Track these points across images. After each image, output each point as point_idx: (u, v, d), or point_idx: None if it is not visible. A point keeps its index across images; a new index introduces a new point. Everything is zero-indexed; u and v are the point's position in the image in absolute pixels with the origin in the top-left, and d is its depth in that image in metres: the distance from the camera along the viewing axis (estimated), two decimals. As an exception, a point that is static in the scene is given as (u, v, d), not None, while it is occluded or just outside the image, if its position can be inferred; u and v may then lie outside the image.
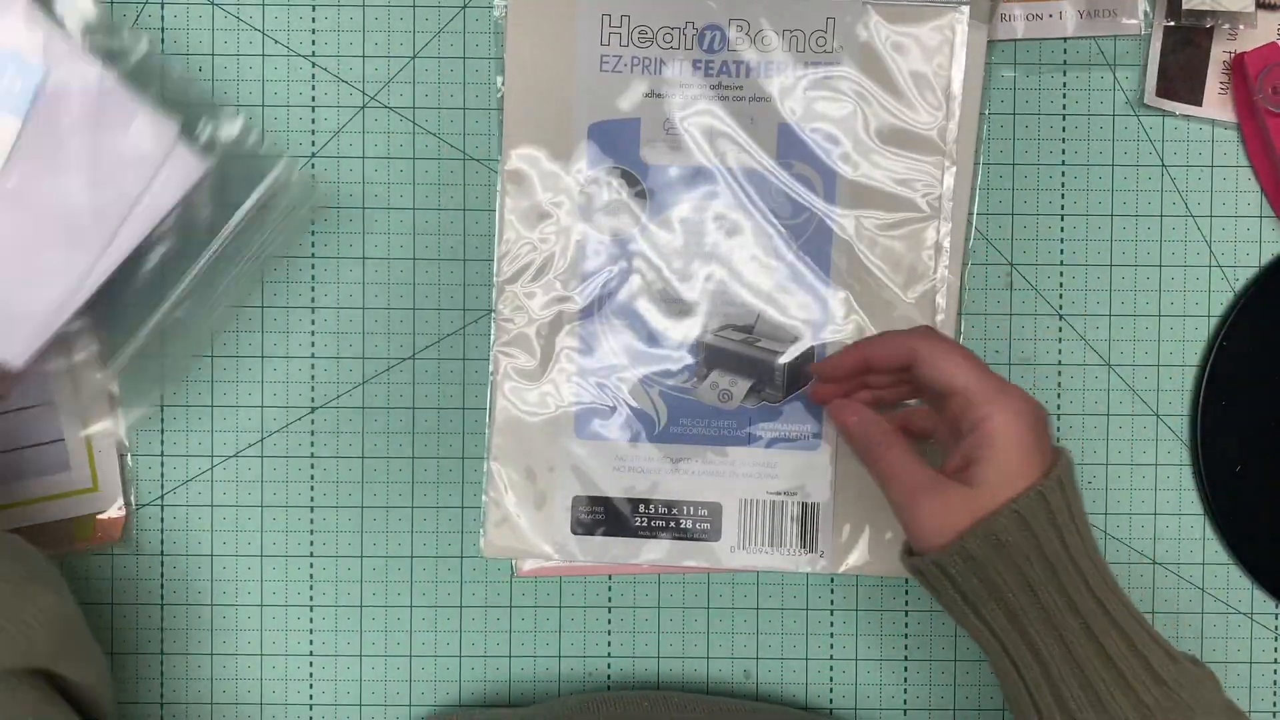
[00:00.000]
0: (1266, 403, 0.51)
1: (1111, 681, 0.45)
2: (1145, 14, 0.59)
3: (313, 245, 0.60)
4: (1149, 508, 0.61)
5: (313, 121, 0.59)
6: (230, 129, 0.54)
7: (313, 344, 0.60)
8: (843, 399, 0.54)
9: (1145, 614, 0.48)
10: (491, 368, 0.60)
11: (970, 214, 0.59)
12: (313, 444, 0.60)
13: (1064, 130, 0.60)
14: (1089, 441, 0.61)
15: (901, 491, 0.49)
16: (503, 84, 0.58)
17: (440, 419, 0.60)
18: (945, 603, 0.49)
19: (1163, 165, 0.60)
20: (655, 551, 0.60)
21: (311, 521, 0.61)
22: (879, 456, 0.50)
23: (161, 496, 0.60)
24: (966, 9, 0.57)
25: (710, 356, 0.59)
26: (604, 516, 0.60)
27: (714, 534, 0.60)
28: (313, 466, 0.60)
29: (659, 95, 0.58)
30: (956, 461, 0.48)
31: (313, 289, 0.60)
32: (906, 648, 0.61)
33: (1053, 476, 0.46)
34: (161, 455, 0.60)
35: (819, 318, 0.59)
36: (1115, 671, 0.45)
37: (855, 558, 0.60)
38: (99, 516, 0.60)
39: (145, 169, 0.51)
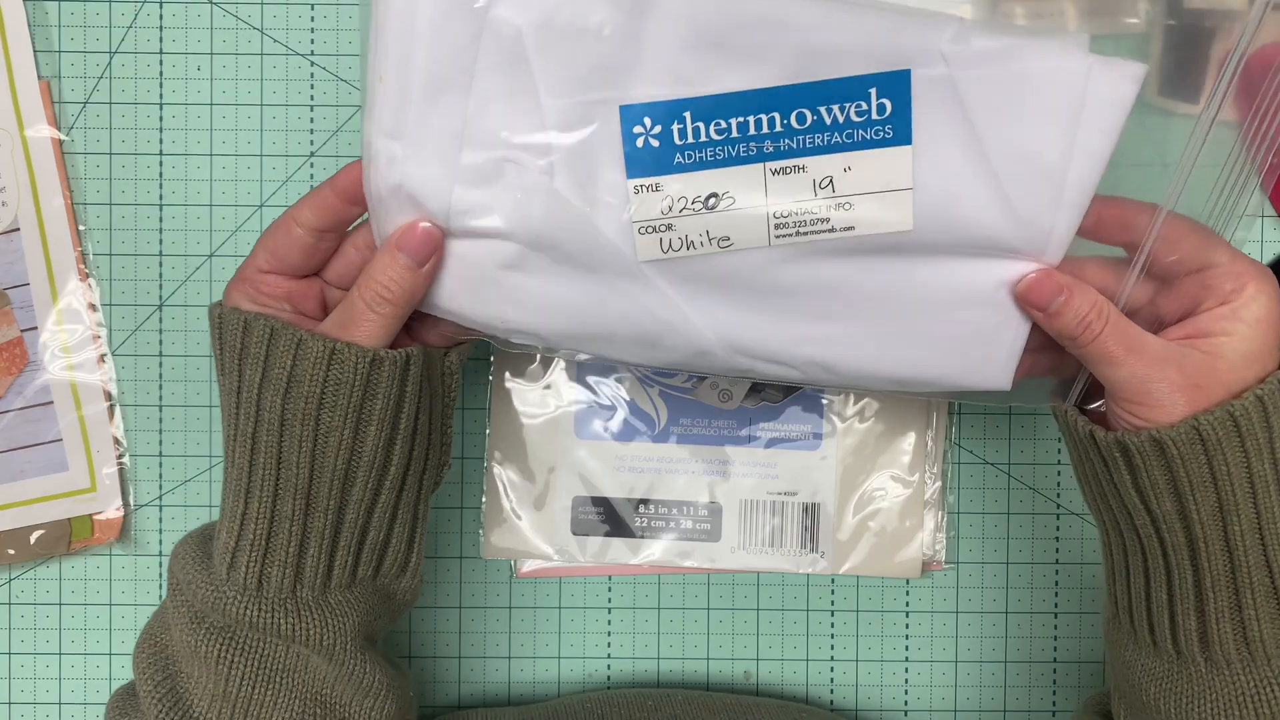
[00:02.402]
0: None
1: (1265, 606, 0.44)
2: (1146, 13, 0.59)
3: (312, 245, 0.60)
4: (1150, 508, 0.60)
5: (311, 121, 0.59)
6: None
7: (312, 344, 0.60)
8: (1048, 269, 0.44)
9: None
10: (491, 368, 0.59)
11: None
12: (312, 444, 0.60)
13: (1065, 129, 0.59)
14: (1090, 441, 0.60)
15: (1135, 361, 0.43)
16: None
17: (440, 419, 0.60)
18: (1119, 486, 0.45)
19: (1164, 164, 0.60)
20: (655, 552, 0.60)
21: (310, 522, 0.60)
22: (1098, 331, 0.43)
23: (160, 497, 0.60)
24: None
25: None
26: (604, 517, 0.60)
27: (714, 534, 0.60)
28: (312, 467, 0.60)
29: None
30: (1184, 333, 0.44)
31: (312, 289, 0.60)
32: (907, 649, 0.61)
33: None
34: (160, 456, 0.60)
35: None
36: (1276, 599, 0.44)
37: (856, 558, 0.60)
38: (97, 517, 0.59)
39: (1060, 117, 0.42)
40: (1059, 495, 0.61)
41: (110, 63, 0.59)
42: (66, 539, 0.59)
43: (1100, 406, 0.47)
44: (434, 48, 0.42)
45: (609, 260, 0.45)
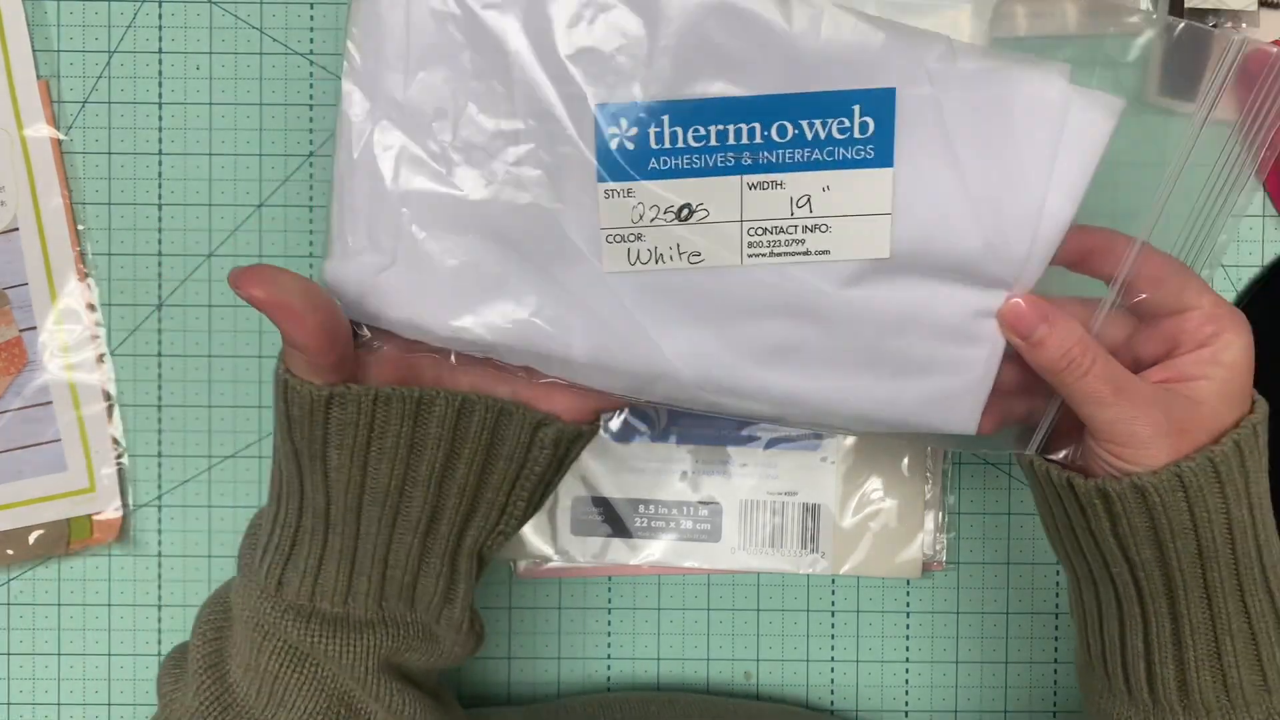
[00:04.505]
0: (1271, 402, 0.51)
1: (1244, 652, 0.44)
2: (1146, 12, 0.59)
3: (311, 245, 0.59)
4: (1151, 508, 0.60)
5: (310, 120, 0.59)
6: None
7: (311, 344, 0.60)
8: (1033, 296, 0.43)
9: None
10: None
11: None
12: (311, 444, 0.60)
13: (1065, 129, 0.59)
14: (1091, 442, 0.60)
15: (1124, 402, 0.42)
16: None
17: (439, 419, 0.60)
18: (1097, 534, 0.44)
19: (1162, 163, 0.59)
20: (655, 552, 0.60)
21: (309, 522, 0.60)
22: (1085, 368, 0.43)
23: (159, 497, 0.60)
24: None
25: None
26: (604, 517, 0.60)
27: (714, 534, 0.60)
28: (311, 467, 0.60)
29: None
30: (1164, 376, 0.44)
31: (311, 288, 0.60)
32: (908, 649, 0.61)
33: (1259, 412, 0.44)
34: (159, 456, 0.60)
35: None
36: (1255, 644, 0.44)
37: (856, 559, 0.60)
38: (96, 517, 0.59)
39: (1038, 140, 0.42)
40: (1060, 495, 0.61)
41: (109, 62, 0.59)
42: (65, 539, 0.59)
43: (1064, 457, 0.47)
44: (413, 16, 0.41)
45: (573, 268, 0.43)
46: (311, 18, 0.59)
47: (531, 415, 0.45)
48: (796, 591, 0.61)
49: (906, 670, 0.61)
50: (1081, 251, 0.44)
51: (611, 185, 0.42)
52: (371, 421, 0.43)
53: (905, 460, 0.60)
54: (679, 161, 0.42)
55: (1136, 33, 0.60)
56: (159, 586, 0.60)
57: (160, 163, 0.59)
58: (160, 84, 0.59)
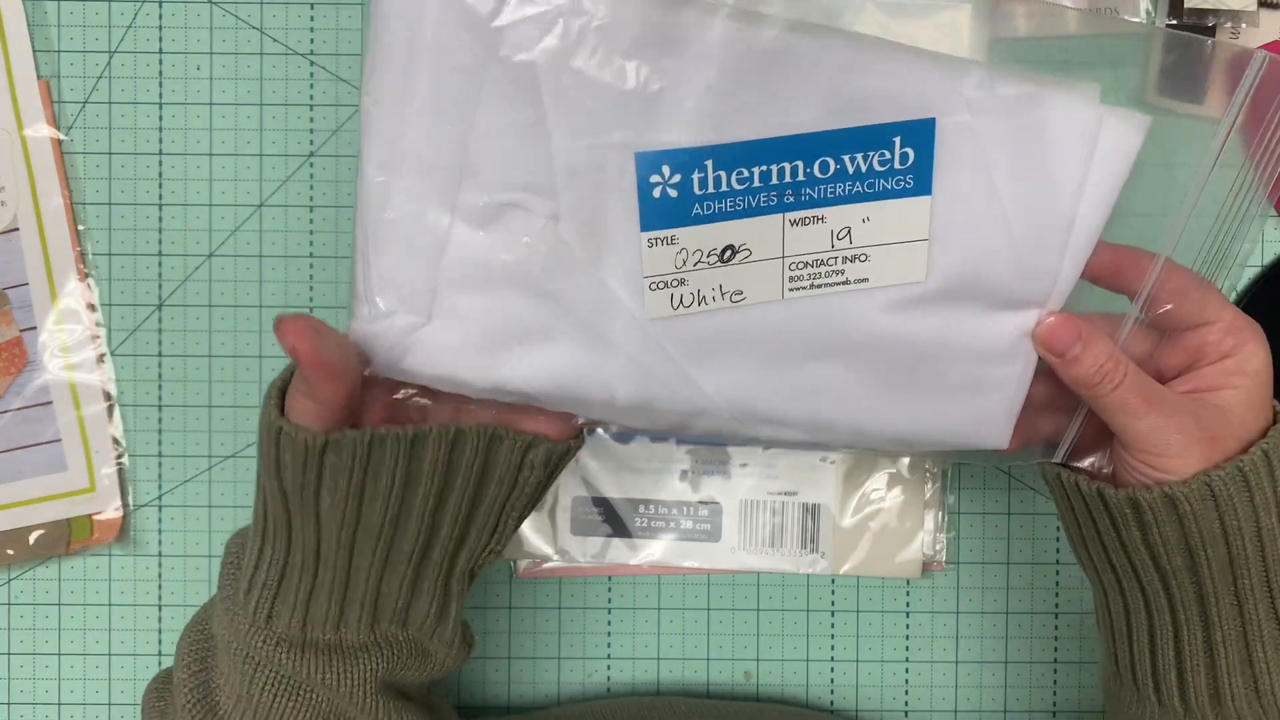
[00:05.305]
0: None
1: (1275, 659, 0.44)
2: (1147, 12, 0.59)
3: (311, 245, 0.59)
4: (1151, 508, 0.60)
5: (311, 120, 0.59)
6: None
7: (311, 344, 0.60)
8: (1065, 314, 0.44)
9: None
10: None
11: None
12: (311, 444, 0.60)
13: (1065, 129, 0.59)
14: (1091, 442, 0.60)
15: (1155, 412, 0.43)
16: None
17: (439, 419, 0.60)
18: (1127, 543, 0.45)
19: (1166, 165, 0.59)
20: (655, 552, 0.60)
21: (310, 522, 0.60)
22: (1117, 381, 0.43)
23: (159, 497, 0.60)
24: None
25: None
26: (604, 517, 0.60)
27: (714, 534, 0.60)
28: (311, 467, 0.60)
29: None
30: (1191, 386, 0.45)
31: (310, 289, 0.60)
32: (908, 649, 0.61)
33: None
34: (159, 456, 0.60)
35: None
36: None
37: (856, 559, 0.60)
38: (96, 517, 0.59)
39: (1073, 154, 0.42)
40: (1059, 495, 0.61)
41: (109, 62, 0.59)
42: (65, 539, 0.59)
43: (1091, 465, 0.47)
44: (438, 69, 0.39)
45: (613, 316, 0.42)
46: (311, 18, 0.59)
47: (521, 439, 0.44)
48: (796, 591, 0.61)
49: (906, 670, 0.61)
50: (1108, 267, 0.45)
51: (655, 234, 0.41)
52: (366, 464, 0.42)
53: (905, 460, 0.60)
54: (723, 205, 0.41)
55: (1136, 38, 0.60)
56: (159, 586, 0.60)
57: (160, 163, 0.59)
58: (160, 84, 0.59)
